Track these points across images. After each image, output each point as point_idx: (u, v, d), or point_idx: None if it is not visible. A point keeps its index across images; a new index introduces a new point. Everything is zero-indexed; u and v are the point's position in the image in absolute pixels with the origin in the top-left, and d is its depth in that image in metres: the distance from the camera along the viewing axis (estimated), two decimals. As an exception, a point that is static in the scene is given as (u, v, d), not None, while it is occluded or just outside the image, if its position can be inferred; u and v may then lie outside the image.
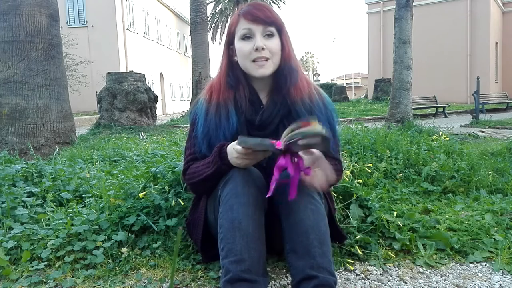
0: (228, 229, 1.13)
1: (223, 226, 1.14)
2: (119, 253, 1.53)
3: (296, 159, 1.10)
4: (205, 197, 1.38)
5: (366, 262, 1.55)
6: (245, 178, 1.18)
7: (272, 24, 1.29)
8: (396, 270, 1.50)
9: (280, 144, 1.06)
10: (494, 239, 1.67)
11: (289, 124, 1.33)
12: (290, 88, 1.32)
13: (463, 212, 2.01)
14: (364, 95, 32.14)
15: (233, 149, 1.18)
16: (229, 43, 1.35)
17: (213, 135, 1.32)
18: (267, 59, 1.29)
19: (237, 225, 1.12)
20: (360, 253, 1.57)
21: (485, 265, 1.54)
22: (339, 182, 1.55)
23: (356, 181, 1.95)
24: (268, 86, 1.38)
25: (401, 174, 2.52)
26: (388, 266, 1.52)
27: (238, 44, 1.31)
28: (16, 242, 1.57)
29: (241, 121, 1.33)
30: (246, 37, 1.29)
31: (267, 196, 1.12)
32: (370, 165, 2.33)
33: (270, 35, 1.30)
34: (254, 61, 1.29)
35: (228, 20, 28.63)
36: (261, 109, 1.36)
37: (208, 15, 15.90)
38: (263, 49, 1.27)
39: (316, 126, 1.03)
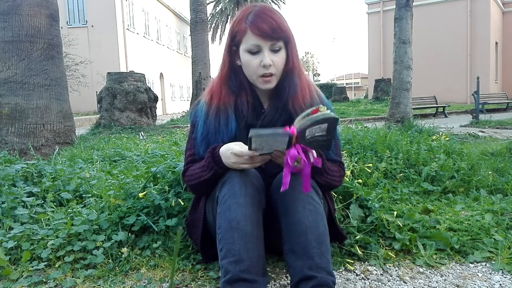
0: (226, 229, 1.13)
1: (221, 227, 1.14)
2: (119, 253, 1.53)
3: (307, 151, 1.12)
4: (204, 198, 1.38)
5: (366, 262, 1.55)
6: (242, 179, 1.18)
7: (280, 39, 1.26)
8: (396, 270, 1.50)
9: (293, 130, 1.08)
10: (494, 239, 1.67)
11: None
12: (289, 99, 1.32)
13: (463, 212, 2.01)
14: (364, 95, 32.13)
15: (230, 153, 1.18)
16: (232, 46, 1.32)
17: (211, 139, 1.32)
18: (272, 75, 1.28)
19: (235, 225, 1.12)
20: (360, 253, 1.57)
21: (485, 265, 1.54)
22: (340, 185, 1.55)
23: (356, 181, 1.95)
24: (269, 91, 1.38)
25: (401, 174, 2.52)
26: (388, 266, 1.52)
27: (245, 56, 1.28)
28: (16, 242, 1.57)
29: (241, 127, 1.32)
30: (254, 50, 1.27)
31: (281, 190, 1.12)
32: (370, 165, 2.32)
33: (277, 50, 1.27)
34: (261, 76, 1.28)
35: (228, 20, 28.64)
36: (262, 113, 1.36)
37: (208, 15, 15.91)
38: (270, 66, 1.26)
39: (325, 111, 1.08)
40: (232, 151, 1.18)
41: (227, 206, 1.15)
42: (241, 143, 1.20)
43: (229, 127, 1.31)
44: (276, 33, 1.24)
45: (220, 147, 1.23)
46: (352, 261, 1.54)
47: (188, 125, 1.44)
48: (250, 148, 1.12)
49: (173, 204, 1.65)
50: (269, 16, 1.25)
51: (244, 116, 1.33)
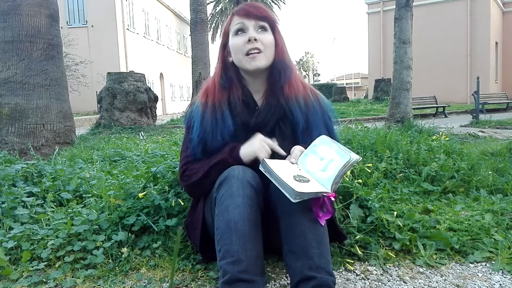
0: (224, 230, 1.13)
1: (219, 228, 1.14)
2: (119, 253, 1.53)
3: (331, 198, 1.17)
4: (203, 199, 1.38)
5: (366, 262, 1.55)
6: (240, 179, 1.18)
7: (265, 19, 1.32)
8: (396, 270, 1.50)
9: (334, 194, 1.14)
10: (494, 239, 1.66)
11: (284, 126, 1.34)
12: (284, 85, 1.33)
13: (463, 212, 2.01)
14: (364, 95, 32.14)
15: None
16: (224, 44, 1.37)
17: (208, 139, 1.32)
18: (259, 52, 1.30)
19: (233, 226, 1.12)
20: (360, 253, 1.57)
21: (485, 265, 1.54)
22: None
23: (356, 181, 1.94)
24: (263, 87, 1.38)
25: (401, 174, 2.52)
26: (388, 266, 1.52)
27: (232, 40, 1.33)
28: (16, 242, 1.57)
29: (237, 123, 1.33)
30: (240, 31, 1.31)
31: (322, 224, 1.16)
32: (370, 165, 2.32)
33: (263, 30, 1.32)
34: (247, 54, 1.30)
35: (228, 20, 28.62)
36: (256, 111, 1.36)
37: (208, 15, 15.91)
38: (255, 40, 1.29)
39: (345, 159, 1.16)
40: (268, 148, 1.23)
41: (224, 207, 1.15)
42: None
43: (226, 124, 1.31)
44: (260, 13, 1.31)
45: (241, 146, 1.27)
46: (352, 261, 1.54)
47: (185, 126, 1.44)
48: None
49: (173, 204, 1.65)
50: (255, 3, 1.35)
51: (238, 113, 1.33)
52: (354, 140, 2.85)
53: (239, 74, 1.36)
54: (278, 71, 1.33)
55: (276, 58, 1.33)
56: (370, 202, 1.77)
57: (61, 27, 5.68)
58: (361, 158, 1.20)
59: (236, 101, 1.34)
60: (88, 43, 19.09)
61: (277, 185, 1.10)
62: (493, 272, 1.48)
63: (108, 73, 9.32)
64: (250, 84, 1.38)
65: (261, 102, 1.38)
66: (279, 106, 1.34)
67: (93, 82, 17.37)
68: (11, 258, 1.53)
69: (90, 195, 2.07)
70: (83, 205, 2.01)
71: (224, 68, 1.37)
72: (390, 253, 1.58)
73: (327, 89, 22.01)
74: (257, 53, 1.29)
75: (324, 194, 1.11)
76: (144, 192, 1.71)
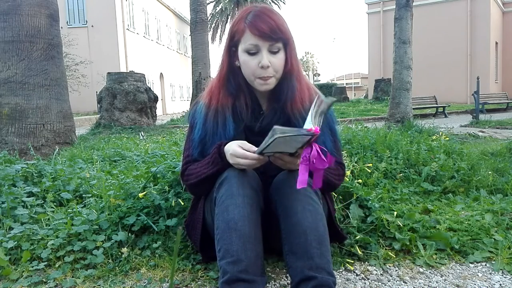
0: (224, 230, 1.13)
1: (219, 227, 1.14)
2: (119, 253, 1.53)
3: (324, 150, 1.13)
4: (203, 199, 1.38)
5: (366, 262, 1.55)
6: (240, 179, 1.18)
7: (279, 40, 1.25)
8: (396, 270, 1.50)
9: (317, 129, 1.08)
10: (494, 239, 1.67)
11: None
12: (287, 101, 1.31)
13: (463, 212, 2.01)
14: (364, 95, 32.14)
15: (230, 154, 1.18)
16: (231, 46, 1.31)
17: (209, 141, 1.31)
18: (271, 76, 1.28)
19: (233, 226, 1.12)
20: (360, 253, 1.57)
21: (485, 265, 1.54)
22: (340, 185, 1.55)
23: (356, 181, 1.94)
24: (268, 93, 1.37)
25: (401, 174, 2.52)
26: (388, 266, 1.52)
27: (243, 57, 1.28)
28: (16, 242, 1.57)
29: (239, 129, 1.32)
30: (252, 52, 1.26)
31: (298, 187, 1.11)
32: (370, 165, 2.32)
33: (275, 51, 1.27)
34: (258, 77, 1.27)
35: (228, 20, 28.66)
36: (261, 115, 1.35)
37: (208, 15, 15.90)
38: (268, 67, 1.25)
39: (326, 99, 1.13)
40: (234, 153, 1.17)
41: (225, 207, 1.15)
42: (244, 142, 1.20)
43: (227, 130, 1.30)
44: (275, 34, 1.23)
45: (225, 144, 1.23)
46: (352, 261, 1.54)
47: (188, 125, 1.44)
48: (261, 152, 1.11)
49: (173, 204, 1.65)
50: (268, 16, 1.24)
51: (242, 119, 1.32)
52: (354, 140, 2.85)
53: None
54: (282, 89, 1.31)
55: (283, 77, 1.30)
56: (370, 202, 1.77)
57: (61, 27, 5.68)
58: (335, 99, 1.14)
59: (242, 107, 1.32)
60: (88, 43, 19.10)
61: (293, 134, 1.06)
62: (493, 272, 1.48)
63: (108, 73, 9.32)
64: (257, 90, 1.36)
65: (265, 107, 1.37)
66: (284, 111, 1.33)
67: (93, 82, 17.37)
68: (11, 258, 1.53)
69: (90, 195, 2.07)
70: (83, 205, 2.01)
71: (231, 71, 1.32)
72: (390, 253, 1.58)
73: (327, 89, 21.99)
74: (269, 77, 1.27)
75: (306, 132, 1.06)
76: (144, 192, 1.71)
